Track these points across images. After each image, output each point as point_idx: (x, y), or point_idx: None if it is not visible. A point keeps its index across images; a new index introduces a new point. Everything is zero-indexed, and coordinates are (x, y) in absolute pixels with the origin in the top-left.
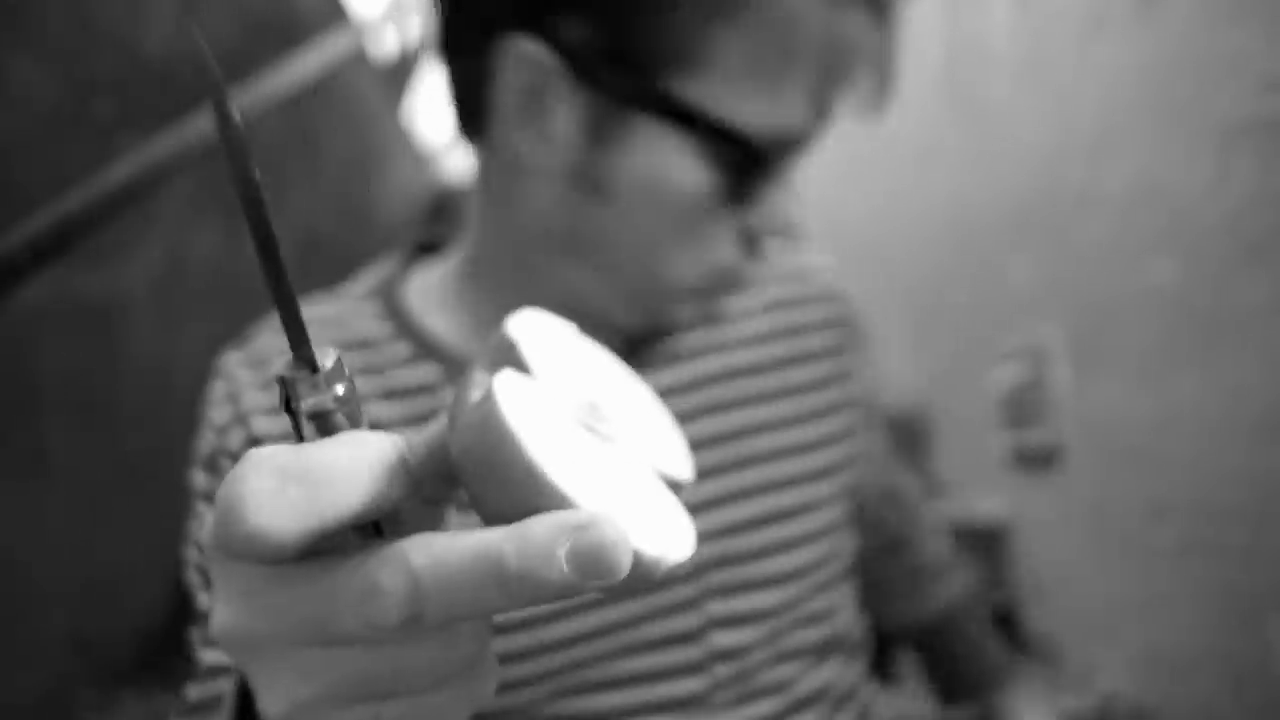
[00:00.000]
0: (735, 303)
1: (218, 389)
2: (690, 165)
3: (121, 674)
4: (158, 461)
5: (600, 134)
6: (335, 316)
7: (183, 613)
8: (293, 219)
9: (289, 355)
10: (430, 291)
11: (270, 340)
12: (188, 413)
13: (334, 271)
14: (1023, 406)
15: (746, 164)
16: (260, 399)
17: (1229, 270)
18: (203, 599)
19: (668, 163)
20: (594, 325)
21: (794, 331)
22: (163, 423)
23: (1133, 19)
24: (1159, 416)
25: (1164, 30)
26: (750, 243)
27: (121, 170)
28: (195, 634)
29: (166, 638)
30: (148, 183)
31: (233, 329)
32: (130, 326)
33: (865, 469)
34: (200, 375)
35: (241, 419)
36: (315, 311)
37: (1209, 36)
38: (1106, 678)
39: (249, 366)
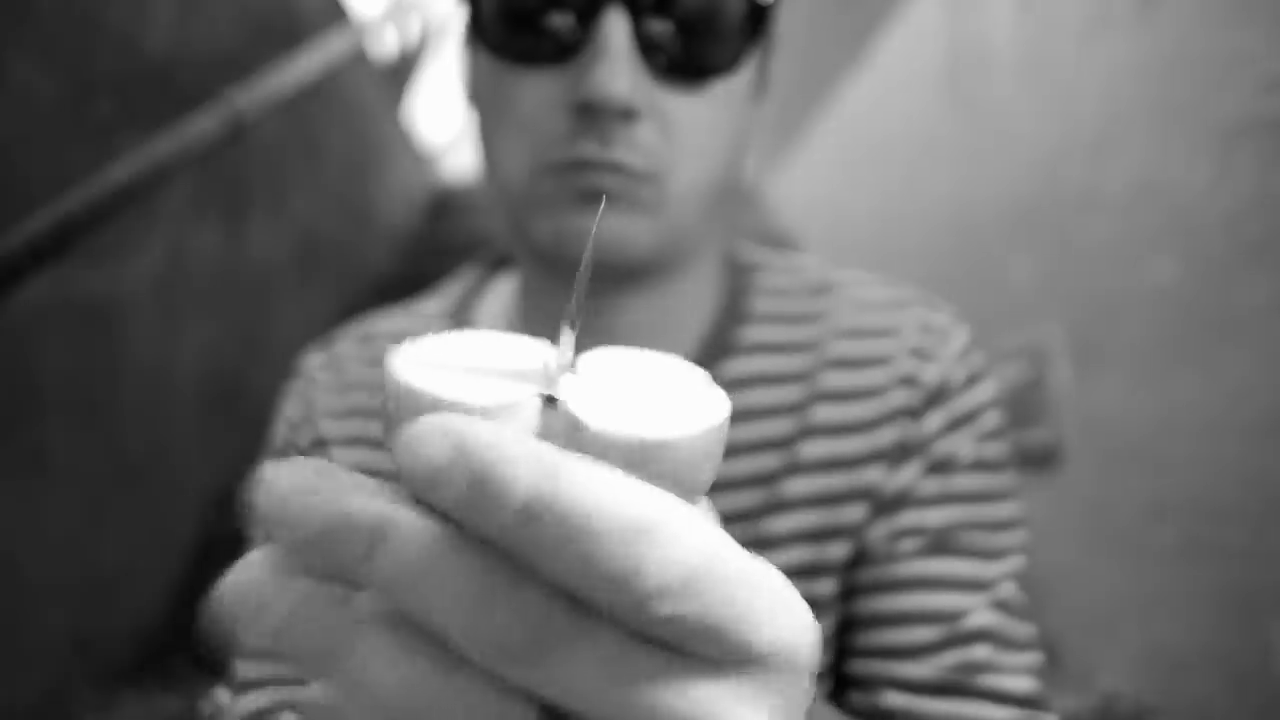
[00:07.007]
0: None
1: (295, 386)
2: (484, 62)
3: (121, 674)
4: (158, 461)
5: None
6: (404, 333)
7: (183, 613)
8: (293, 219)
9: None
10: (496, 313)
11: (349, 348)
12: (188, 412)
13: (334, 271)
14: (1023, 406)
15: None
16: (332, 402)
17: (1229, 270)
18: None
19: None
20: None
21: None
22: (163, 423)
23: (1133, 19)
24: (1159, 416)
25: (1164, 30)
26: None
27: (121, 170)
28: None
29: (166, 637)
30: (148, 183)
31: (233, 329)
32: (130, 326)
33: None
34: (200, 375)
35: (311, 419)
36: (386, 326)
37: (1209, 36)
38: (1106, 677)
39: (327, 369)
